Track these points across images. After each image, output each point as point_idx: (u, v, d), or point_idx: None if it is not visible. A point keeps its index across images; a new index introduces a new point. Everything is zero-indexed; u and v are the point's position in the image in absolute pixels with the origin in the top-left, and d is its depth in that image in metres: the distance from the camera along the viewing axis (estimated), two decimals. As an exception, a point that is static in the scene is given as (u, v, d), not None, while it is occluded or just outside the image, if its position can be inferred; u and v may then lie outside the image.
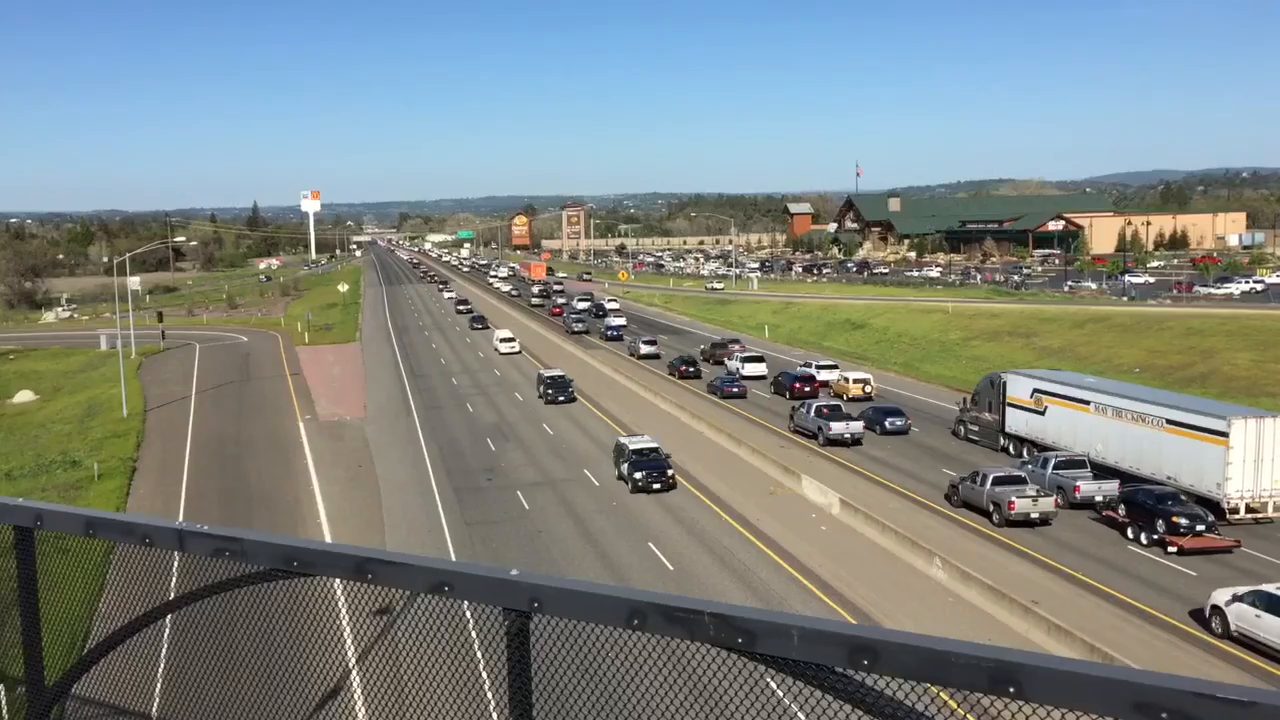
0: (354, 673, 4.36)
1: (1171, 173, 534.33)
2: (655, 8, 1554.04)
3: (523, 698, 3.13)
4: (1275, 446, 41.66)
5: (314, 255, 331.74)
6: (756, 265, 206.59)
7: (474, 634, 3.54)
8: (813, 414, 58.82)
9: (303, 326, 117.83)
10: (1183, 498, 41.11)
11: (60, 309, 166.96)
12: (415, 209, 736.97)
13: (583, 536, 42.15)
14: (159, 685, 4.63)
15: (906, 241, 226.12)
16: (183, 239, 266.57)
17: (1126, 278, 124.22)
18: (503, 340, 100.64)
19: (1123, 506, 41.26)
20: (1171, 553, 37.98)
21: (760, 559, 39.00)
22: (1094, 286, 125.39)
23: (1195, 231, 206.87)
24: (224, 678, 4.32)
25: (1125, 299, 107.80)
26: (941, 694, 2.56)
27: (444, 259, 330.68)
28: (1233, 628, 30.17)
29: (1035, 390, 53.45)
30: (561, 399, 70.85)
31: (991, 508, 42.31)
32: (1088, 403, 49.79)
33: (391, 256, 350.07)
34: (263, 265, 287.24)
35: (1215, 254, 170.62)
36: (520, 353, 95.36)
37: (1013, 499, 41.42)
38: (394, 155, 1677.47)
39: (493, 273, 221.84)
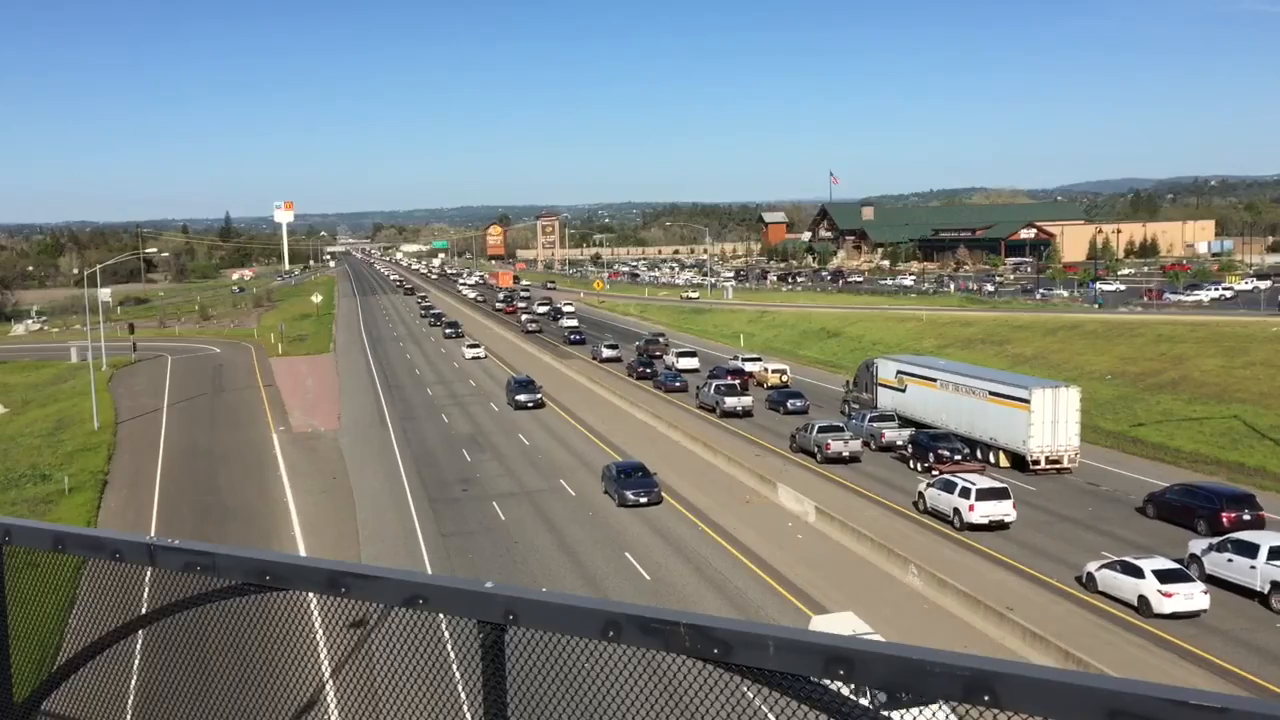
0: (329, 687, 4.33)
1: (1142, 181, 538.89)
2: (630, 19, 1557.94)
3: (498, 711, 3.11)
4: (1068, 411, 50.56)
5: (287, 266, 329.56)
6: (731, 274, 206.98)
7: (450, 647, 3.52)
8: (713, 391, 70.17)
9: (276, 337, 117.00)
10: (951, 438, 53.02)
11: (30, 321, 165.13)
12: (389, 219, 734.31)
13: (559, 548, 42.01)
14: (130, 700, 4.57)
15: (880, 250, 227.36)
16: (154, 250, 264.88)
17: (1097, 285, 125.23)
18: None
19: (910, 446, 53.91)
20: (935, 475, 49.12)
21: (737, 568, 39.01)
22: (1065, 294, 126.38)
23: (1165, 239, 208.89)
24: (197, 693, 4.27)
25: (1095, 306, 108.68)
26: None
27: (413, 267, 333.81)
28: (928, 505, 44.84)
29: (898, 371, 62.29)
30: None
31: (816, 449, 54.83)
32: (935, 380, 58.55)
33: (369, 269, 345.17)
34: (235, 276, 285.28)
35: (1185, 261, 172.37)
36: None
37: (829, 441, 54.30)
38: (367, 165, 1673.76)
39: (462, 281, 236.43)
